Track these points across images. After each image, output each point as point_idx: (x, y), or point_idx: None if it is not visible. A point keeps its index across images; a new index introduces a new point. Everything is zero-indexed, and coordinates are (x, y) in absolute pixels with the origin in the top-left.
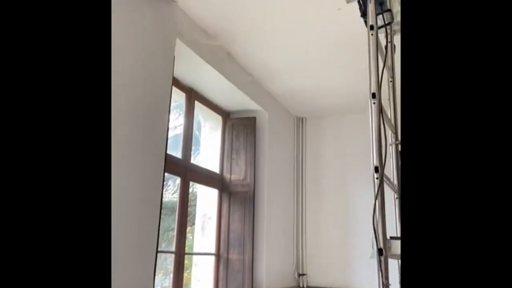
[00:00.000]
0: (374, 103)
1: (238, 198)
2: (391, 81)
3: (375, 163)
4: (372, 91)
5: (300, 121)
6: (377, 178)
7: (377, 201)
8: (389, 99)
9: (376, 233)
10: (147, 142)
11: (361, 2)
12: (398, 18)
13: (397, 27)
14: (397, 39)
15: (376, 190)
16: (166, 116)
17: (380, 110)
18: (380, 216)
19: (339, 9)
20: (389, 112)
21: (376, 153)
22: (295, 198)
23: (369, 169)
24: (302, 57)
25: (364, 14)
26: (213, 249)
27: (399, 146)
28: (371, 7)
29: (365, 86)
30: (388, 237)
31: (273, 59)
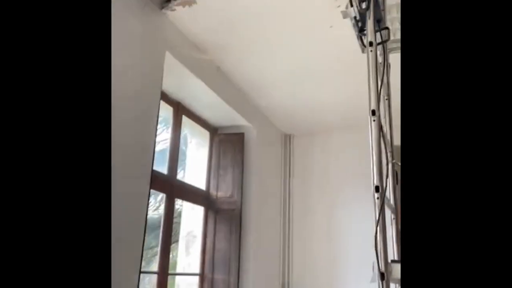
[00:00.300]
0: (374, 120)
1: (224, 215)
2: (387, 99)
3: (375, 182)
4: (371, 108)
5: (288, 138)
6: (377, 198)
7: (378, 223)
8: (385, 117)
9: (378, 256)
10: (133, 157)
11: (357, 18)
12: (397, 35)
13: (394, 45)
14: (392, 57)
15: (377, 212)
16: (154, 131)
17: (380, 128)
18: (381, 239)
19: (330, 26)
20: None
21: (376, 172)
22: (282, 217)
23: (358, 188)
24: (292, 73)
25: (361, 30)
26: (197, 269)
27: (395, 165)
28: (370, 24)
29: (355, 103)
30: (389, 261)
31: (264, 74)
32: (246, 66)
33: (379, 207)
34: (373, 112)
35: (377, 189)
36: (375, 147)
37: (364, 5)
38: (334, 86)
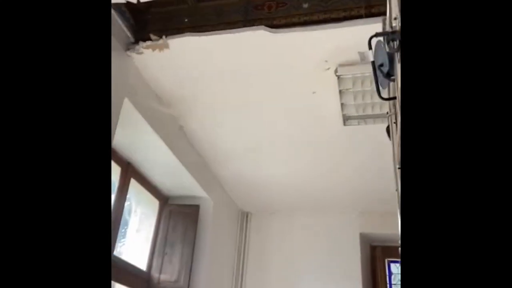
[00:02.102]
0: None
1: None
2: (399, 168)
3: None
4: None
5: (245, 216)
6: None
7: None
8: (396, 190)
9: None
10: None
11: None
12: None
13: None
14: None
15: None
16: None
17: None
18: None
19: (313, 92)
20: None
21: None
22: None
23: (320, 275)
24: (260, 144)
25: (388, 75)
26: None
27: None
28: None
29: (322, 185)
30: None
31: (229, 142)
32: (212, 130)
33: None
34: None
35: None
36: None
37: (395, 44)
38: (304, 163)
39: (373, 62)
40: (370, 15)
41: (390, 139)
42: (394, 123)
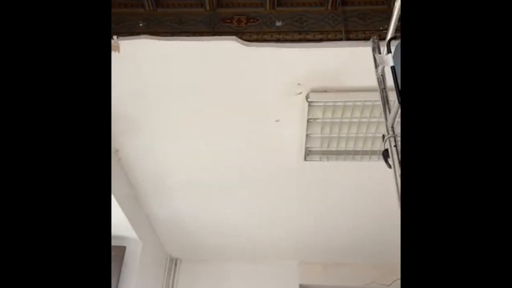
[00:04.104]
0: None
1: None
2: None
3: None
4: None
5: (173, 263)
6: None
7: None
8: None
9: None
10: None
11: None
12: None
13: None
14: None
15: None
16: None
17: None
18: None
19: (277, 120)
20: None
21: None
22: None
23: None
24: (202, 178)
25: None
26: None
27: None
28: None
29: (265, 230)
30: None
31: (168, 173)
32: (151, 158)
33: None
34: None
35: None
36: None
37: None
38: (248, 202)
39: (393, 68)
40: (348, 39)
41: (387, 165)
42: (394, 146)
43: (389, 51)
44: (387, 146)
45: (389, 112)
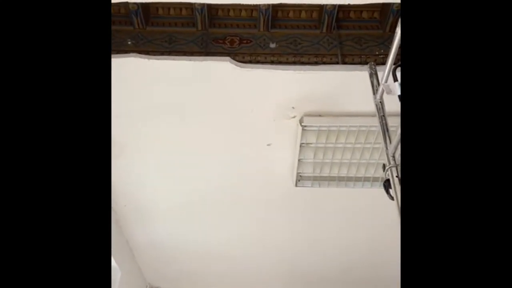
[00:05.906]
0: None
1: None
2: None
3: None
4: None
5: None
6: None
7: None
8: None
9: None
10: None
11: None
12: None
13: None
14: None
15: None
16: None
17: None
18: None
19: (268, 144)
20: None
21: None
22: None
23: None
24: (187, 202)
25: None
26: None
27: None
28: None
29: (252, 258)
30: None
31: (151, 195)
32: (133, 179)
33: None
34: None
35: None
36: None
37: None
38: (235, 231)
39: (400, 97)
40: (344, 63)
41: (389, 197)
42: (397, 176)
43: (395, 79)
44: (388, 176)
45: (390, 140)
